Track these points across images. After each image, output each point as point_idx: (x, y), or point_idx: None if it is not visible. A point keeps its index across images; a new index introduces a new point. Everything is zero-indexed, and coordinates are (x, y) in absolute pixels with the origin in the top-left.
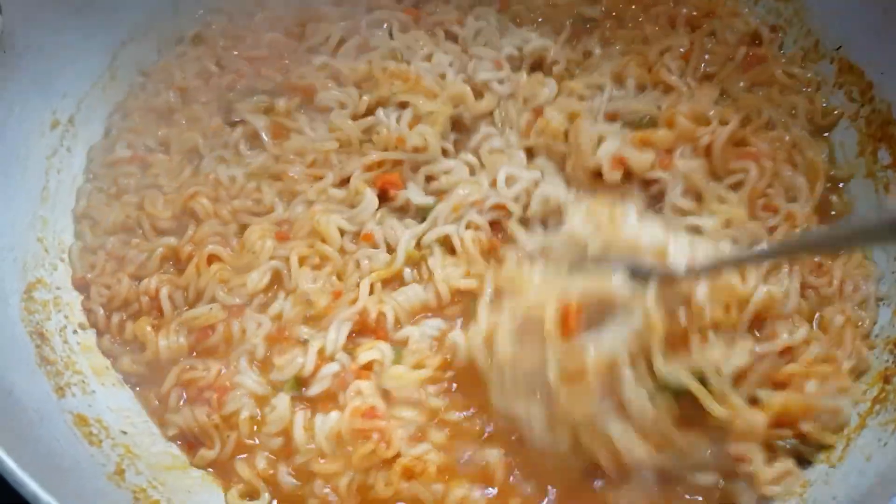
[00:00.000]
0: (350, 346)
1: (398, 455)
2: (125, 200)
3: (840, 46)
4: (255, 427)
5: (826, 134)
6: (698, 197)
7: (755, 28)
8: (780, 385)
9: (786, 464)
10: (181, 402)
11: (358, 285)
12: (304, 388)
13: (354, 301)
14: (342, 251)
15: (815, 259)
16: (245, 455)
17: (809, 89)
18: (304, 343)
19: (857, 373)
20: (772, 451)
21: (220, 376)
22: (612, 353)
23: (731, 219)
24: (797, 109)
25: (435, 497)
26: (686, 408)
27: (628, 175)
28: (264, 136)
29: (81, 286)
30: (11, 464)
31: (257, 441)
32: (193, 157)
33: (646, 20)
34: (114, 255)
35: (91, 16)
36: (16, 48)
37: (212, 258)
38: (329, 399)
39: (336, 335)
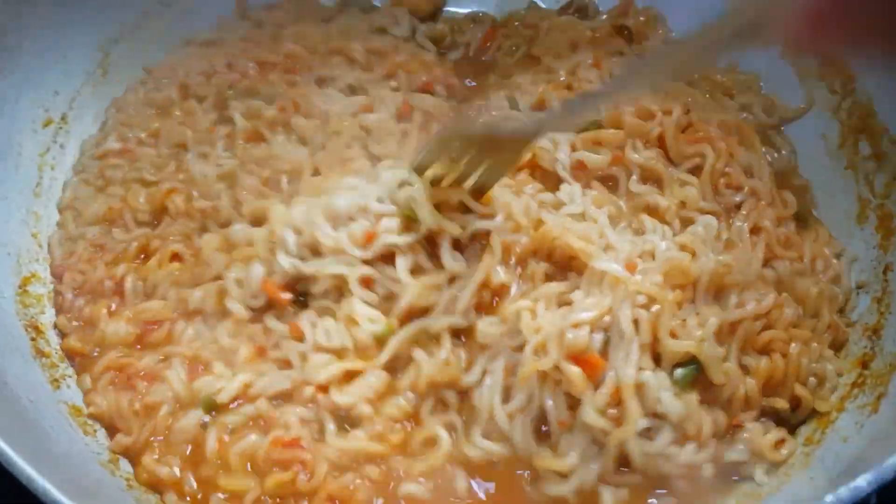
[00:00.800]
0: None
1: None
2: (110, 192)
3: None
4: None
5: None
6: (659, 183)
7: None
8: (764, 351)
9: (780, 432)
10: (109, 386)
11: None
12: (214, 413)
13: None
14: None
15: (782, 230)
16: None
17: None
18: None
19: (835, 348)
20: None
21: (153, 367)
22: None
23: (686, 200)
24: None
25: None
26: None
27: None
28: (239, 139)
29: (58, 273)
30: (7, 449)
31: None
32: (180, 151)
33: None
34: (93, 243)
35: (80, 13)
36: (7, 46)
37: (174, 257)
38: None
39: (267, 383)
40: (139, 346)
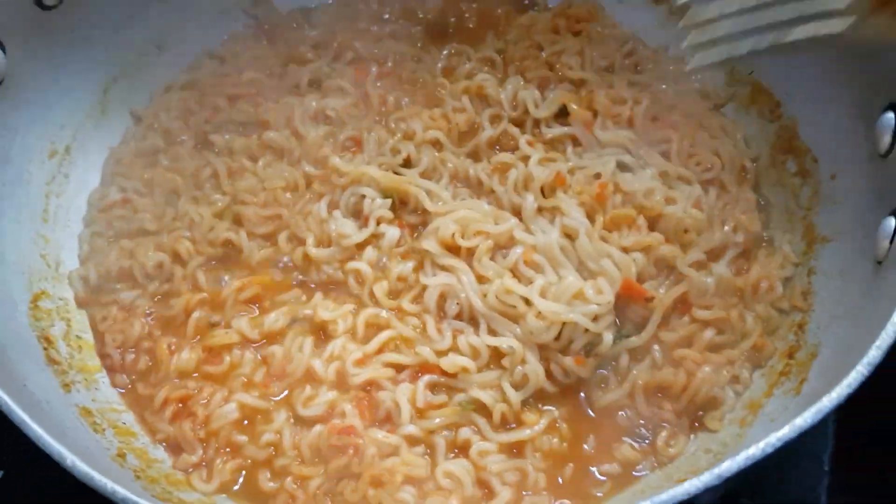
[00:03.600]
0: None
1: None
2: (122, 245)
3: (752, 71)
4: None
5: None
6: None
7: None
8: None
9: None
10: (169, 414)
11: None
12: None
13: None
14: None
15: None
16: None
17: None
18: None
19: (758, 363)
20: None
21: (213, 395)
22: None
23: (666, 171)
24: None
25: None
26: None
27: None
28: (224, 178)
29: (98, 334)
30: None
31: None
32: (174, 198)
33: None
34: (122, 307)
35: (83, 53)
36: (17, 82)
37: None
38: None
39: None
40: (197, 375)
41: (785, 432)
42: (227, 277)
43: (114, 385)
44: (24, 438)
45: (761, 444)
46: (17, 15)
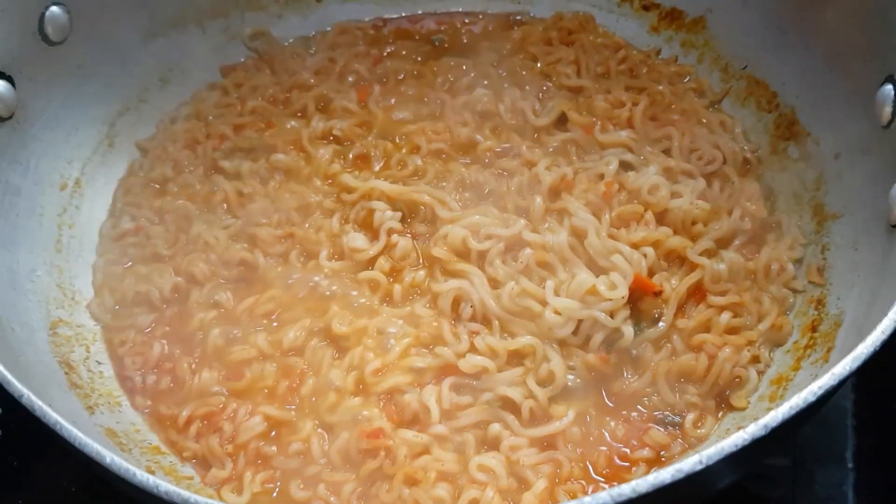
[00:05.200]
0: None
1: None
2: (137, 271)
3: (746, 66)
4: (263, 445)
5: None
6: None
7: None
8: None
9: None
10: (195, 432)
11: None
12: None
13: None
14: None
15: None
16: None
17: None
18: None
19: (779, 344)
20: None
21: (237, 410)
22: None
23: (670, 167)
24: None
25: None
26: None
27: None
28: (233, 202)
29: (117, 359)
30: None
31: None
32: (186, 224)
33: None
34: (139, 331)
35: (89, 88)
36: (27, 117)
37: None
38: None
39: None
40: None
41: (826, 380)
42: (242, 295)
43: (135, 407)
44: None
45: (803, 394)
46: (24, 51)
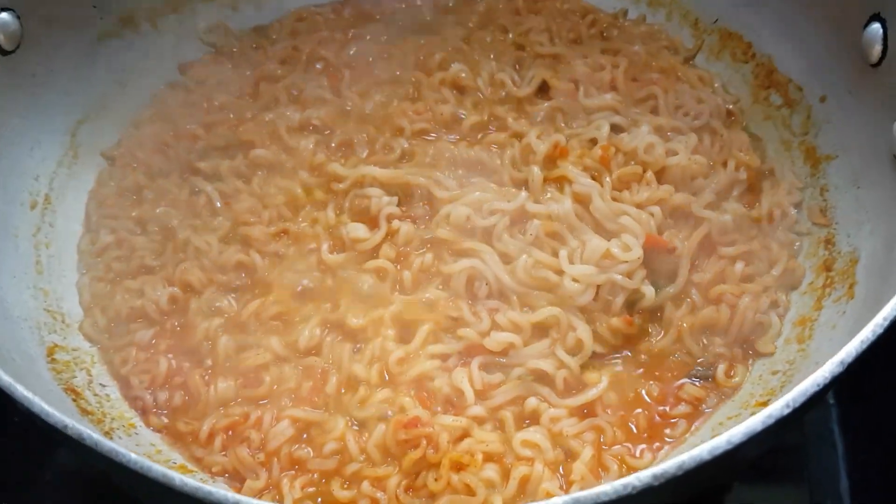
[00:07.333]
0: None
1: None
2: (127, 286)
3: (717, 19)
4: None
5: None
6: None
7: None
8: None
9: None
10: (220, 445)
11: None
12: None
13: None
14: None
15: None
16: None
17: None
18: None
19: (794, 286)
20: None
21: (262, 417)
22: None
23: (660, 125)
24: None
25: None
26: None
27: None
28: (217, 204)
29: (121, 379)
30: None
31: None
32: (169, 231)
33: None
34: (140, 347)
35: (46, 98)
36: None
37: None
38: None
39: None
40: (239, 399)
41: (890, 310)
42: (246, 299)
43: (149, 426)
44: None
45: (869, 327)
46: None
